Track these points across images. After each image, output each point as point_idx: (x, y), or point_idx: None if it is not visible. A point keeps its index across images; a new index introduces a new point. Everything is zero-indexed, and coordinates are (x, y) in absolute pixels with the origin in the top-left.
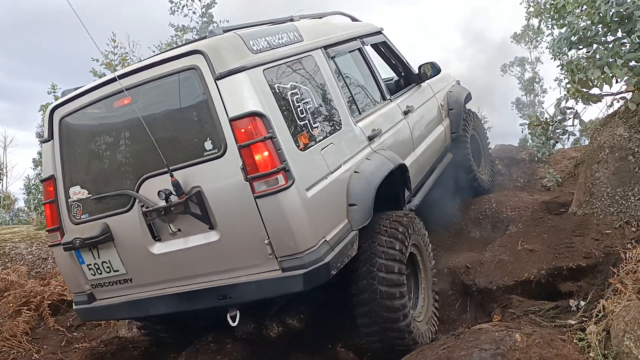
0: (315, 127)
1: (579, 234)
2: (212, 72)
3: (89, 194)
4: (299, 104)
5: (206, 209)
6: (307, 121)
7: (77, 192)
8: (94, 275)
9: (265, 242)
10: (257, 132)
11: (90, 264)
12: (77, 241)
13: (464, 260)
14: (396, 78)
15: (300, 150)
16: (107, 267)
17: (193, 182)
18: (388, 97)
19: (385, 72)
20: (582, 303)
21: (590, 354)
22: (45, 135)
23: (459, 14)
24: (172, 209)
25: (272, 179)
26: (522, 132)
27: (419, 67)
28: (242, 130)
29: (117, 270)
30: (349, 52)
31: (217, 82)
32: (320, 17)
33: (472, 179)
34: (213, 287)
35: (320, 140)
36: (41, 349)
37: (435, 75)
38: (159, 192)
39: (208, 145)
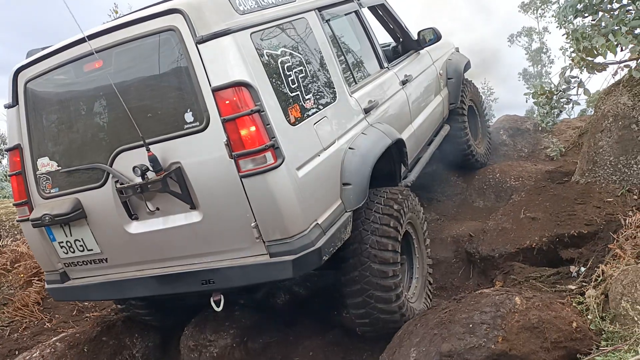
0: (307, 99)
1: (581, 202)
2: (193, 35)
3: (58, 166)
4: (290, 72)
5: (187, 187)
6: (299, 92)
7: (46, 164)
8: (67, 253)
9: (252, 225)
10: (243, 105)
11: (62, 242)
12: (47, 217)
13: (467, 229)
14: (394, 44)
15: (291, 124)
16: (80, 246)
17: (172, 157)
18: (385, 65)
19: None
20: (583, 269)
21: (589, 316)
22: (10, 100)
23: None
24: (148, 186)
25: (259, 157)
26: (527, 101)
27: (418, 33)
28: (227, 102)
29: (91, 250)
30: (345, 14)
31: (198, 46)
32: None
33: (469, 152)
34: (195, 271)
35: (313, 114)
36: (53, 318)
37: (435, 41)
38: (134, 167)
39: (188, 117)
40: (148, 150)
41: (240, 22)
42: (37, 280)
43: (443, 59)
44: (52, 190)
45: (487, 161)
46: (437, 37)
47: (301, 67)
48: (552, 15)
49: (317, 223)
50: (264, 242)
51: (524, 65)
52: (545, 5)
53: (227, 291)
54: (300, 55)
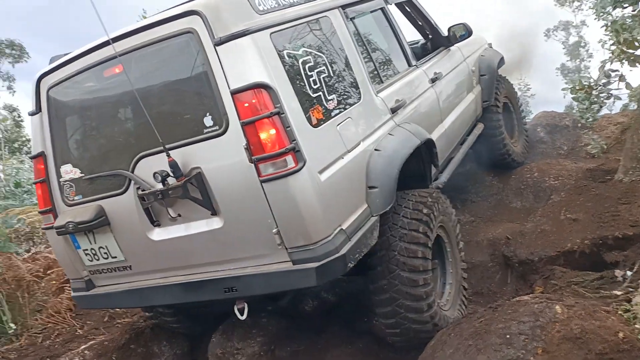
0: (330, 100)
1: (625, 201)
2: (211, 37)
3: (81, 173)
4: (312, 72)
5: (207, 193)
6: (321, 93)
7: (69, 171)
8: (91, 261)
9: (274, 231)
10: (263, 107)
11: (87, 249)
12: (70, 225)
13: (504, 231)
14: (423, 41)
15: (313, 126)
16: (105, 253)
17: (193, 162)
18: (414, 63)
19: (410, 34)
20: (629, 273)
21: (637, 326)
22: (33, 107)
23: None
24: (169, 192)
25: (280, 161)
26: (565, 97)
27: (449, 29)
28: (246, 105)
29: (115, 257)
30: (370, 12)
31: (216, 48)
32: None
33: (505, 152)
34: (218, 279)
35: (336, 115)
36: (84, 325)
37: (466, 37)
38: (155, 173)
39: (208, 121)
40: (168, 155)
41: (260, 22)
42: (69, 287)
43: (475, 56)
44: (75, 198)
45: (525, 160)
46: (468, 33)
47: (324, 67)
48: (590, 8)
49: (342, 228)
50: (286, 248)
51: (561, 60)
52: None
53: (251, 299)
54: (322, 55)
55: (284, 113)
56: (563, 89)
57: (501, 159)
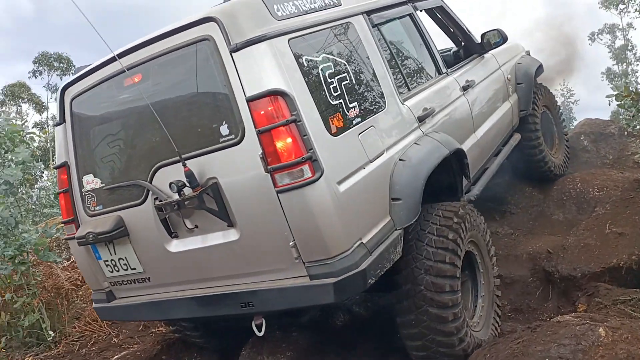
0: (352, 108)
1: None
2: (228, 43)
3: (102, 183)
4: (333, 79)
5: (223, 204)
6: (341, 100)
7: (91, 181)
8: (112, 272)
9: (290, 244)
10: (279, 115)
11: (107, 260)
12: (90, 236)
13: (545, 244)
14: (455, 49)
15: (333, 135)
16: (124, 265)
17: (209, 172)
18: (444, 70)
19: (441, 41)
20: None
21: None
22: (58, 117)
23: None
24: (185, 203)
25: (296, 171)
26: (610, 104)
27: (482, 36)
28: (262, 112)
29: (135, 268)
30: (398, 18)
31: (232, 54)
32: None
33: (543, 163)
34: (234, 293)
35: (357, 123)
36: (120, 333)
37: (500, 44)
38: (170, 183)
39: (224, 130)
40: (184, 165)
41: (278, 27)
42: None
43: (511, 63)
44: (96, 208)
45: (565, 172)
46: (502, 39)
47: (345, 74)
48: (637, 10)
49: (362, 242)
50: (303, 262)
51: (607, 64)
52: (628, 0)
53: (270, 314)
54: (344, 62)
55: (300, 121)
56: (607, 96)
57: (539, 171)
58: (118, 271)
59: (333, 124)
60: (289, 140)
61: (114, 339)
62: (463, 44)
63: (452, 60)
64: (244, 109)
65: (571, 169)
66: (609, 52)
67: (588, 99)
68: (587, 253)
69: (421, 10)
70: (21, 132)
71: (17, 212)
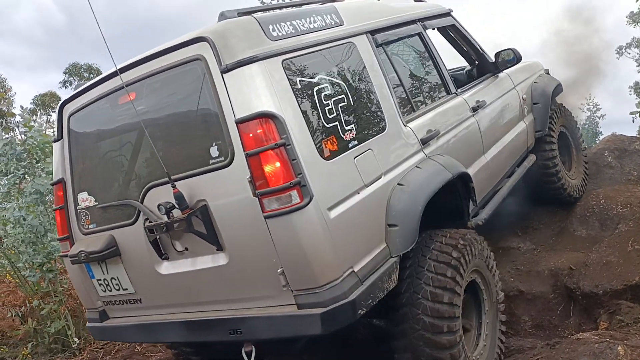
0: (348, 130)
1: None
2: (219, 64)
3: (95, 201)
4: (328, 101)
5: (213, 227)
6: (337, 123)
7: (85, 199)
8: (105, 291)
9: (279, 271)
10: (268, 138)
11: (100, 279)
12: (82, 254)
13: (567, 261)
14: (468, 67)
15: (325, 159)
16: (117, 285)
17: (199, 194)
18: (453, 90)
19: (452, 59)
20: None
21: None
22: (56, 134)
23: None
24: (174, 225)
25: (284, 196)
26: (633, 121)
27: (496, 55)
28: (250, 135)
29: (126, 289)
30: (406, 37)
31: (223, 75)
32: None
33: (560, 186)
34: (223, 319)
35: (353, 147)
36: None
37: (514, 63)
38: (159, 205)
39: (214, 151)
40: (173, 186)
41: (271, 48)
42: None
43: (528, 82)
44: (90, 226)
45: (581, 195)
46: (516, 58)
47: (343, 96)
48: None
49: (353, 271)
50: (291, 290)
51: (635, 78)
52: None
53: (258, 342)
54: (342, 83)
55: (290, 145)
56: (631, 113)
57: (555, 194)
58: (110, 291)
59: (326, 147)
60: (278, 164)
61: (137, 347)
62: (476, 62)
63: (465, 79)
64: (234, 131)
65: (595, 185)
66: (637, 66)
67: (615, 114)
68: (609, 270)
69: (433, 29)
70: (52, 143)
71: (46, 220)
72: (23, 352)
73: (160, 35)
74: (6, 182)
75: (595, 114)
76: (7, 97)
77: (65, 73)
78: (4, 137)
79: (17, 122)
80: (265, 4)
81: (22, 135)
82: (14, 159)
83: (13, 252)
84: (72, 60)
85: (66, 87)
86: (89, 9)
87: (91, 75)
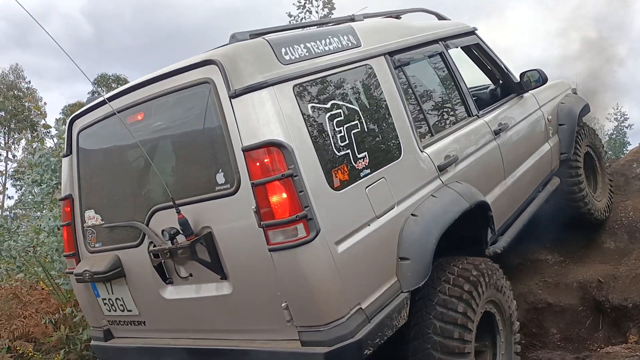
0: (360, 158)
1: None
2: (228, 88)
3: (102, 220)
4: (341, 128)
5: (217, 255)
6: (349, 150)
7: (92, 217)
8: (109, 311)
9: (283, 305)
10: (275, 168)
11: (105, 299)
12: (87, 274)
13: (595, 273)
14: (492, 87)
15: (335, 189)
16: (121, 305)
17: (204, 221)
18: (475, 112)
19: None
20: None
21: None
22: (65, 149)
23: (593, 3)
24: (178, 251)
25: (290, 229)
26: None
27: (521, 75)
28: (257, 164)
29: (130, 310)
30: (427, 57)
31: (232, 100)
32: (397, 17)
33: (586, 211)
34: (225, 349)
35: (365, 175)
36: None
37: (541, 84)
38: (163, 230)
39: (220, 178)
40: (178, 212)
41: (283, 73)
42: None
43: (554, 103)
44: (96, 245)
45: (608, 216)
46: (542, 79)
47: (356, 122)
48: None
49: (360, 308)
50: (295, 326)
51: None
52: None
53: None
54: (357, 108)
55: (297, 175)
56: None
57: (581, 217)
58: (115, 311)
59: (337, 177)
60: (284, 195)
61: None
62: (501, 82)
63: (488, 99)
64: (240, 159)
65: (623, 197)
66: None
67: None
68: (639, 283)
69: (456, 47)
70: None
71: None
72: (56, 358)
73: (185, 46)
74: (39, 191)
75: (622, 124)
76: (41, 110)
77: (94, 84)
78: (40, 149)
79: (48, 132)
80: (292, 17)
81: (53, 145)
82: (50, 170)
83: (47, 260)
84: (100, 71)
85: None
86: (116, 20)
87: (119, 86)
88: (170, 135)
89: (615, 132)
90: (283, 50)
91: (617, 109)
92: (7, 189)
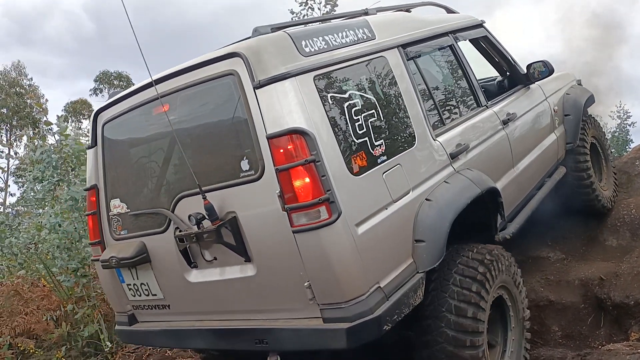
0: (377, 146)
1: None
2: (252, 79)
3: (128, 208)
4: (358, 117)
5: (242, 239)
6: (367, 138)
7: (117, 206)
8: (134, 296)
9: (305, 284)
10: (298, 154)
11: (130, 284)
12: (114, 260)
13: (597, 271)
14: (500, 78)
15: (354, 175)
16: (146, 290)
17: (229, 206)
18: (484, 103)
19: (482, 70)
20: None
21: None
22: (90, 140)
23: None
24: (204, 235)
25: (313, 211)
26: None
27: (528, 67)
28: (281, 151)
29: (155, 295)
30: (437, 50)
31: (256, 91)
32: (408, 10)
33: (594, 197)
34: (249, 329)
35: (382, 162)
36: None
37: (546, 75)
38: (190, 216)
39: (244, 165)
40: (204, 198)
41: (304, 64)
42: None
43: (559, 94)
44: (121, 232)
45: (614, 205)
46: (548, 70)
47: (373, 111)
48: None
49: (379, 286)
50: (317, 304)
51: None
52: None
53: (283, 353)
54: (373, 98)
55: (320, 161)
56: None
57: (590, 205)
58: (140, 296)
59: (355, 163)
60: (307, 180)
61: (168, 352)
62: (508, 74)
63: (496, 90)
64: (265, 146)
65: (626, 195)
66: None
67: None
68: None
69: (465, 40)
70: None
71: (81, 227)
72: (57, 355)
73: (189, 43)
74: (41, 188)
75: (625, 122)
76: (43, 107)
77: (95, 80)
78: (41, 146)
79: (50, 129)
80: (294, 14)
81: (55, 142)
82: (51, 167)
83: (48, 257)
84: (102, 68)
85: (97, 95)
86: (118, 17)
87: (121, 83)
88: (196, 125)
89: (618, 130)
90: (303, 42)
91: (620, 106)
92: (9, 186)
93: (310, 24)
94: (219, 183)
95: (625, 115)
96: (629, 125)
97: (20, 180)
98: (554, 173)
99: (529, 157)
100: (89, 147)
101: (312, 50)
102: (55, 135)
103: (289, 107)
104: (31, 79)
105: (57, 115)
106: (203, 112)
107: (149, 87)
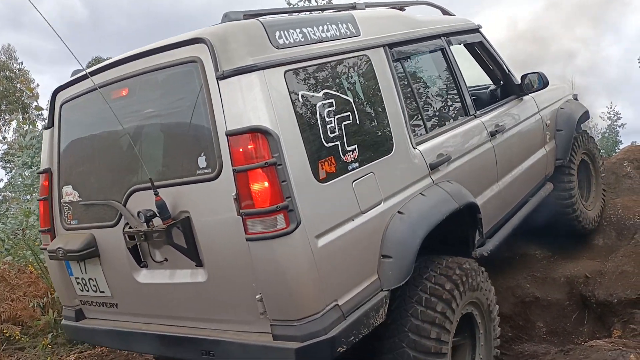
0: (350, 151)
1: None
2: (216, 69)
3: (79, 197)
4: (331, 119)
5: (194, 242)
6: (338, 142)
7: (69, 193)
8: (82, 291)
9: (257, 297)
10: (259, 155)
11: (79, 278)
12: (60, 252)
13: (583, 269)
14: (492, 87)
15: (320, 181)
16: (94, 286)
17: (182, 205)
18: (472, 112)
19: (473, 77)
20: None
21: None
22: (47, 121)
23: (590, 1)
24: (153, 235)
25: (269, 219)
26: None
27: (522, 77)
28: (240, 150)
29: (103, 292)
30: (427, 53)
31: (219, 82)
32: (401, 8)
33: (574, 218)
34: (196, 338)
35: (353, 169)
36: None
37: (540, 88)
38: (139, 212)
39: (202, 162)
40: (156, 194)
41: (275, 57)
42: None
43: (553, 107)
44: (72, 222)
45: (596, 226)
46: (543, 83)
47: (348, 113)
48: None
49: (337, 304)
50: (269, 319)
51: None
52: None
53: None
54: (350, 99)
55: (281, 164)
56: None
57: (568, 225)
58: (88, 291)
59: (323, 168)
60: (266, 184)
61: None
62: (501, 82)
63: (488, 99)
64: (224, 143)
65: (613, 195)
66: None
67: (636, 123)
68: (625, 279)
69: (459, 44)
70: None
71: None
72: (43, 342)
73: (183, 30)
74: (30, 174)
75: (615, 123)
76: (34, 93)
77: (88, 66)
78: (31, 131)
79: (40, 114)
80: (291, 5)
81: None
82: (40, 152)
83: (36, 243)
84: (95, 54)
85: None
86: (111, 3)
87: None
88: (154, 114)
89: (608, 131)
90: (277, 33)
91: (611, 107)
92: None
93: (288, 14)
94: (174, 179)
95: (616, 117)
96: (619, 127)
97: (8, 165)
98: (541, 189)
99: (515, 172)
100: (46, 128)
101: (287, 42)
102: (44, 121)
103: (254, 102)
104: (21, 63)
105: (48, 100)
106: (162, 100)
107: (109, 69)
